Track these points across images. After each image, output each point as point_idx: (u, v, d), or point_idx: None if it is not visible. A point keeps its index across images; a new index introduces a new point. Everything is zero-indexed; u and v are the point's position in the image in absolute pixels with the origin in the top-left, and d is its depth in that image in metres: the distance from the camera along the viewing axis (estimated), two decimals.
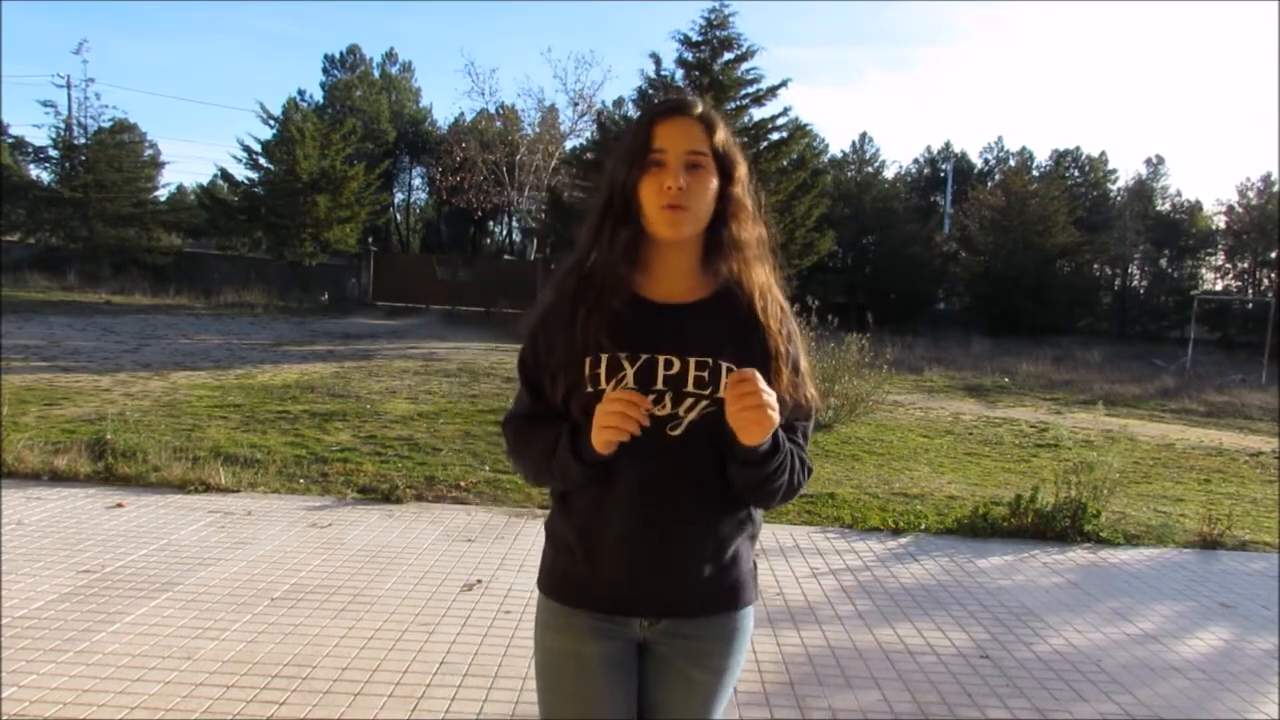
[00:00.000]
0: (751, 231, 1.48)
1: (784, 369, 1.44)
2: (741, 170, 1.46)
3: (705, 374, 1.40)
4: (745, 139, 21.67)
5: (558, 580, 1.51)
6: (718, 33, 21.04)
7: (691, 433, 1.41)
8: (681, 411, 1.40)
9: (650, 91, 21.43)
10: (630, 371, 1.40)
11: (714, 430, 1.39)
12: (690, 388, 1.40)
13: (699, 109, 1.44)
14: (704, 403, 1.40)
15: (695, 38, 21.11)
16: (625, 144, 1.45)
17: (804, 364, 1.51)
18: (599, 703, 1.47)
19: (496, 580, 4.12)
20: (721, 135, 1.43)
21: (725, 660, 1.52)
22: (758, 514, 1.54)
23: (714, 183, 1.43)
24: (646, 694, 1.53)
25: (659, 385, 1.40)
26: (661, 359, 1.40)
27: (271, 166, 27.27)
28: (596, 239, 1.47)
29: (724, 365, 1.40)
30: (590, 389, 1.40)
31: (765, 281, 1.49)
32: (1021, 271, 30.00)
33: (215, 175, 43.11)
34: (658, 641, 1.50)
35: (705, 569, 1.46)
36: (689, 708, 1.52)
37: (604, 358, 1.40)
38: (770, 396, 1.31)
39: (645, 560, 1.44)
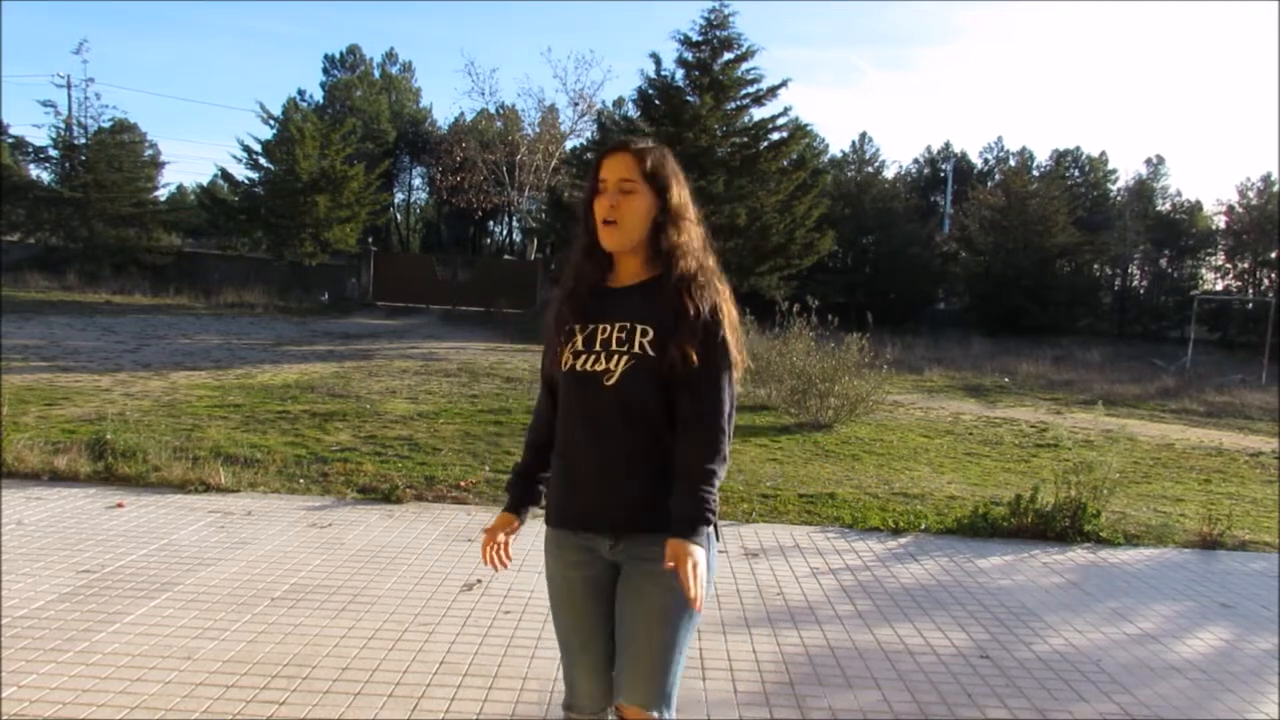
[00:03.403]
0: (685, 234, 1.89)
1: (685, 331, 1.80)
2: (675, 188, 1.89)
3: (623, 335, 1.84)
4: (745, 139, 21.69)
5: (549, 508, 1.99)
6: (718, 33, 21.04)
7: (623, 383, 1.82)
8: (611, 366, 1.83)
9: (650, 92, 21.42)
10: (580, 337, 1.88)
11: (641, 381, 1.82)
12: (614, 346, 1.84)
13: (637, 145, 1.89)
14: (625, 356, 1.83)
15: (695, 38, 21.10)
16: (589, 178, 1.92)
17: (729, 337, 1.85)
18: (581, 616, 1.94)
19: (496, 580, 4.12)
20: (651, 163, 1.86)
21: (672, 578, 1.76)
22: None
23: (645, 202, 1.86)
24: (619, 609, 1.91)
25: (596, 347, 1.86)
26: (599, 327, 1.87)
27: (271, 166, 27.24)
28: (574, 251, 1.98)
29: (639, 327, 1.83)
30: (558, 352, 1.91)
31: (690, 270, 1.87)
32: (1021, 271, 30.00)
33: (215, 175, 43.23)
34: (624, 563, 1.89)
35: (644, 493, 1.84)
36: (642, 614, 1.85)
37: (565, 329, 1.91)
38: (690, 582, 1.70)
39: (599, 486, 1.87)
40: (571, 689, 2.00)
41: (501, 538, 2.02)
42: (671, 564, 1.71)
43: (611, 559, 1.90)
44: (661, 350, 1.81)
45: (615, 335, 1.84)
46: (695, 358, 1.79)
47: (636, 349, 1.82)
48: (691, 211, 1.93)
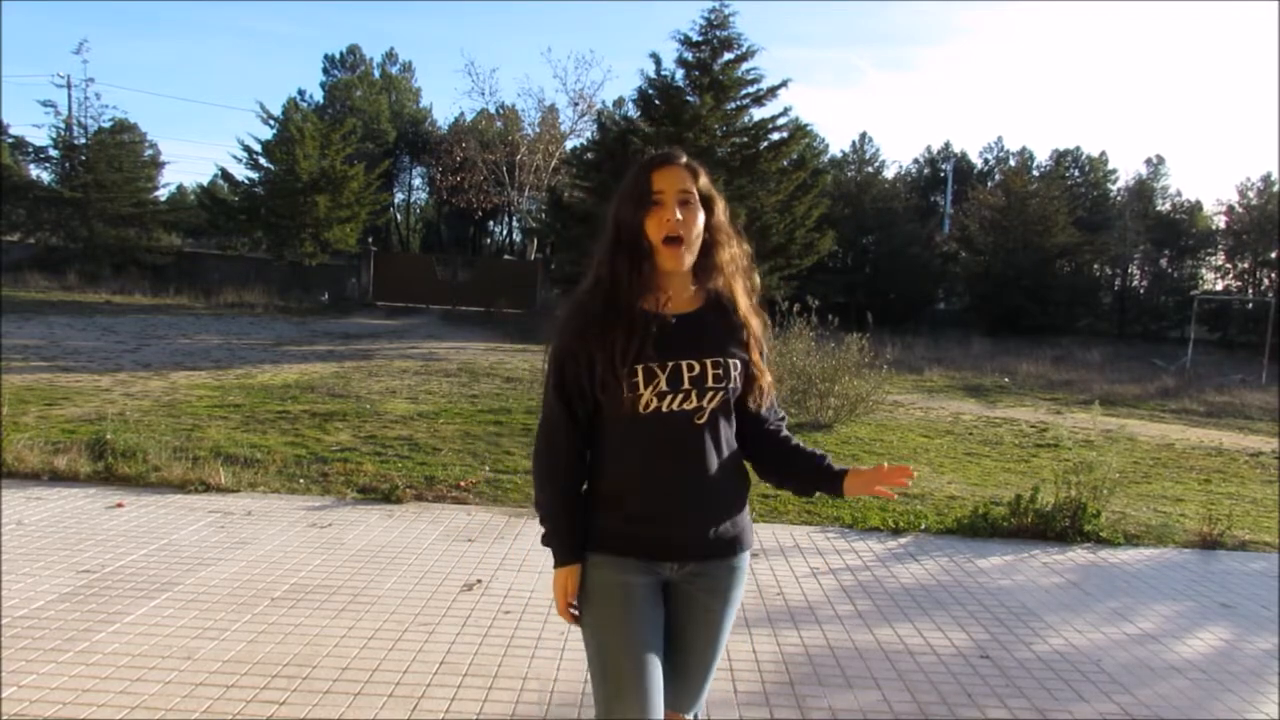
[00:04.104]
0: (732, 252, 1.84)
1: (761, 361, 1.86)
2: (720, 204, 1.82)
3: (721, 371, 1.76)
4: (745, 139, 21.67)
5: (612, 538, 1.80)
6: (718, 33, 21.02)
7: (712, 419, 1.77)
8: (705, 403, 1.75)
9: (650, 92, 21.43)
10: (663, 376, 1.72)
11: (724, 412, 1.80)
12: (710, 384, 1.75)
13: (684, 159, 1.78)
14: (721, 393, 1.76)
15: (695, 38, 21.08)
16: (626, 189, 1.77)
17: (766, 353, 1.91)
18: (643, 622, 1.77)
19: (496, 580, 4.12)
20: (704, 179, 1.79)
21: (732, 591, 1.89)
22: (751, 475, 1.94)
23: (701, 217, 1.77)
24: (675, 626, 1.85)
25: (685, 385, 1.74)
26: (685, 363, 1.74)
27: (271, 166, 27.24)
28: (612, 269, 1.76)
29: (732, 362, 1.78)
30: (630, 393, 1.72)
31: (745, 294, 1.85)
32: (1021, 271, 30.00)
33: (215, 175, 43.23)
34: (681, 581, 1.84)
35: (724, 522, 1.82)
36: (708, 631, 1.87)
37: (639, 368, 1.71)
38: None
39: (682, 518, 1.78)
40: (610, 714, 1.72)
41: (571, 589, 1.83)
42: (885, 465, 1.83)
43: (670, 578, 1.84)
44: (745, 381, 1.83)
45: (711, 372, 1.75)
46: (770, 382, 1.88)
47: (731, 384, 1.78)
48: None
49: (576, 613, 1.84)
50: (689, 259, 1.75)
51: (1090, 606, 4.25)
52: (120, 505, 5.01)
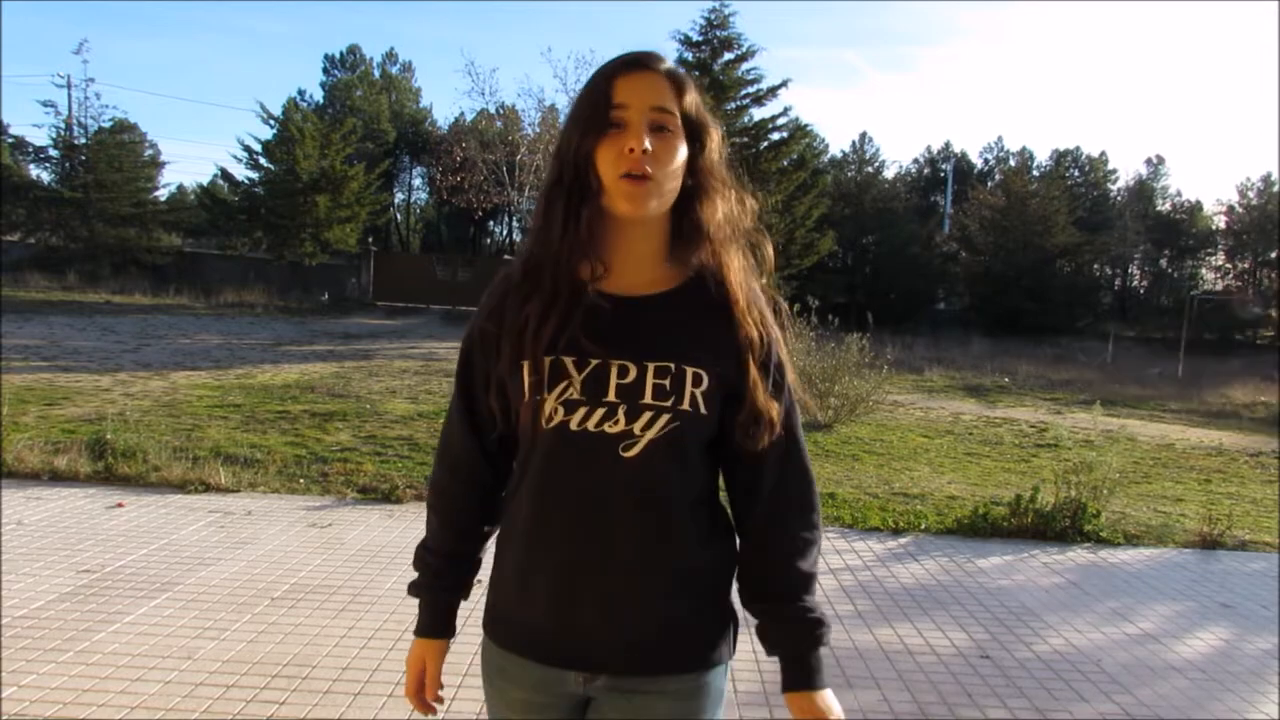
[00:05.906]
0: (726, 209, 1.24)
1: (758, 375, 1.19)
2: (714, 137, 1.24)
3: (666, 382, 1.15)
4: (745, 139, 21.71)
5: (491, 618, 1.33)
6: (718, 33, 21.10)
7: (651, 451, 1.15)
8: (637, 429, 1.14)
9: None
10: (577, 378, 1.15)
11: (681, 451, 1.17)
12: (649, 398, 1.15)
13: (664, 65, 1.19)
14: (665, 416, 1.15)
15: (695, 38, 21.17)
16: (579, 104, 1.19)
17: (790, 375, 1.26)
18: None
19: None
20: (692, 97, 1.20)
21: (682, 704, 1.22)
22: (735, 554, 1.29)
23: (683, 151, 1.18)
24: None
25: (610, 397, 1.15)
26: (615, 365, 1.15)
27: (271, 166, 27.31)
28: (544, 218, 1.21)
29: (689, 371, 1.16)
30: (530, 396, 1.16)
31: (741, 270, 1.24)
32: (1021, 271, 30.06)
33: (215, 175, 43.18)
34: (601, 699, 1.24)
35: (655, 618, 1.20)
36: None
37: (546, 363, 1.16)
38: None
39: (580, 605, 1.20)
40: None
41: (431, 674, 1.40)
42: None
43: (583, 694, 1.26)
44: (722, 406, 1.19)
45: (651, 382, 1.15)
46: (780, 419, 1.21)
47: (686, 405, 1.15)
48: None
49: (436, 706, 1.39)
50: (655, 203, 1.15)
51: (1090, 606, 4.25)
52: (120, 505, 5.01)
